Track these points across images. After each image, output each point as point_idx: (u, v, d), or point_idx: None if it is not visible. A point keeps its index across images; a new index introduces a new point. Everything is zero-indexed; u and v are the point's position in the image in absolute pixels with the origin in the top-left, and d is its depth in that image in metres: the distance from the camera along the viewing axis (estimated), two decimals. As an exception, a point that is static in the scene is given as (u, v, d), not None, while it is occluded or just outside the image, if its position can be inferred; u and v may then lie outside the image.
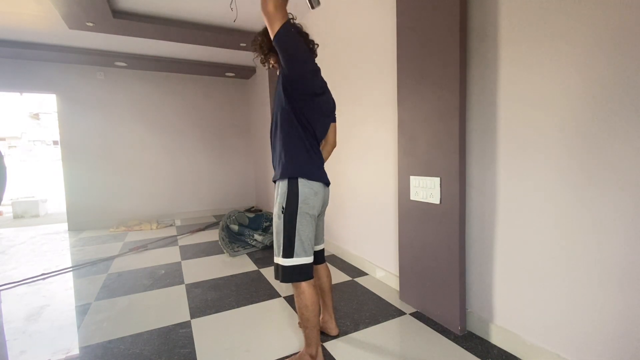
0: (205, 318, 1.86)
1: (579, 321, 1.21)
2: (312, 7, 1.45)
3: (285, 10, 1.19)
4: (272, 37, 1.21)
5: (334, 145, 1.56)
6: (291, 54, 1.23)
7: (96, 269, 2.79)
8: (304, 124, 1.32)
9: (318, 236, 1.52)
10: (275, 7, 1.15)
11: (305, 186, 1.30)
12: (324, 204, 1.44)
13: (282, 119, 1.32)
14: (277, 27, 1.17)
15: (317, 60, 1.42)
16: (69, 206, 4.48)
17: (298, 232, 1.29)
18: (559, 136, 1.23)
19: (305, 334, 1.35)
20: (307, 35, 1.43)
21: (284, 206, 1.29)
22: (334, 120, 1.53)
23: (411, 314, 1.83)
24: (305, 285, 1.31)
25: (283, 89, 1.30)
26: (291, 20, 1.28)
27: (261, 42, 1.40)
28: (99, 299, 2.18)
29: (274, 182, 1.37)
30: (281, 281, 1.31)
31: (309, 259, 1.32)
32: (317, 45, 1.47)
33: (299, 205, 1.28)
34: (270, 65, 1.46)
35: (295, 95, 1.29)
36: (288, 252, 1.29)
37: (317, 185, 1.33)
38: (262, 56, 1.44)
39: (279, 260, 1.31)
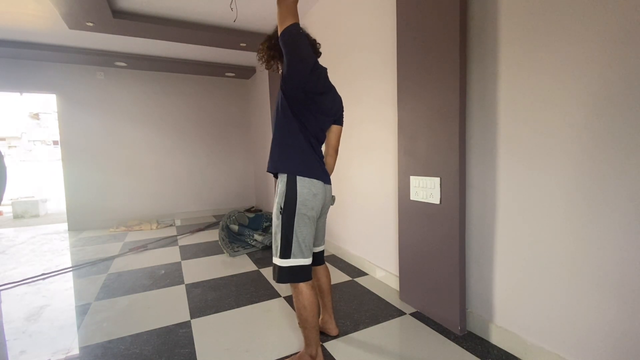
0: (205, 318, 1.86)
1: (578, 321, 1.21)
2: None
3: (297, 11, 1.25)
4: (279, 31, 1.25)
5: (336, 149, 1.49)
6: (294, 51, 1.25)
7: (96, 269, 2.79)
8: (302, 121, 1.32)
9: (318, 237, 1.51)
10: (295, 2, 1.23)
11: (304, 187, 1.29)
12: (325, 204, 1.42)
13: (281, 114, 1.33)
14: (288, 22, 1.22)
15: (319, 59, 1.43)
16: (69, 206, 4.48)
17: (296, 233, 1.28)
18: (560, 136, 1.23)
19: (304, 334, 1.35)
20: (314, 40, 1.47)
21: (282, 206, 1.29)
22: (339, 123, 1.48)
23: (411, 314, 1.83)
24: (303, 286, 1.31)
25: (282, 85, 1.32)
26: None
27: (266, 55, 1.45)
28: (99, 299, 2.18)
29: (268, 172, 1.38)
30: (277, 281, 1.31)
31: (307, 261, 1.31)
32: (320, 44, 1.50)
33: (297, 207, 1.28)
34: (277, 69, 1.50)
35: (294, 92, 1.30)
36: (285, 253, 1.29)
37: (316, 186, 1.32)
38: (266, 63, 1.48)
39: (277, 260, 1.31)
